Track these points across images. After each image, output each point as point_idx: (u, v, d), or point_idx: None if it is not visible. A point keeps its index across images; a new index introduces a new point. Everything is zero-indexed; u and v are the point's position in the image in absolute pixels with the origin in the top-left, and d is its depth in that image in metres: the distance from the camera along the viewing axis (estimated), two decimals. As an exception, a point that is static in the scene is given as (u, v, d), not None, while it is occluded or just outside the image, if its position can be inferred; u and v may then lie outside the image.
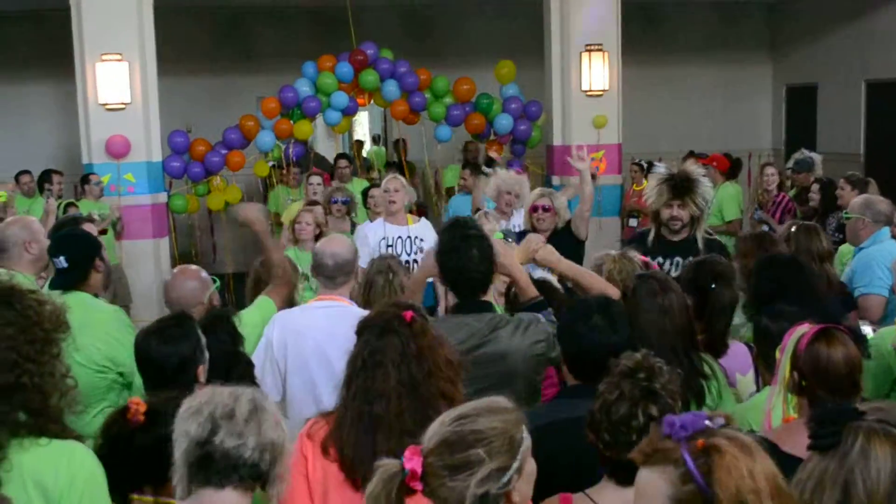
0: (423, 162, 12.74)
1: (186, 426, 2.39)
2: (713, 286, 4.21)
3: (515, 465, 2.23)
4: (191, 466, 2.37)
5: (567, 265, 4.43)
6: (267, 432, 2.38)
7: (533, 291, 4.13)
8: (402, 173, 10.86)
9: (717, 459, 1.83)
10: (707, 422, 1.91)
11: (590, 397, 3.05)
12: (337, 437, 2.94)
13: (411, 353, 2.94)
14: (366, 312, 4.22)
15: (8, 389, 2.53)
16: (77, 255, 4.54)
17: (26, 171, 10.91)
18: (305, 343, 4.34)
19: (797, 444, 3.05)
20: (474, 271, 3.87)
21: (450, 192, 11.48)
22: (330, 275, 4.43)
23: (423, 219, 7.69)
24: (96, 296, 4.63)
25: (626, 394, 2.77)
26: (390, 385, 2.91)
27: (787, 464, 2.98)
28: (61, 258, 4.50)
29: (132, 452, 2.85)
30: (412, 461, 2.19)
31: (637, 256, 4.88)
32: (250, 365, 3.87)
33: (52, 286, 4.51)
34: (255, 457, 2.36)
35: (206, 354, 3.60)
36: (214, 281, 4.58)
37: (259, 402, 2.42)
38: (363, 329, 3.04)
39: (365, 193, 9.01)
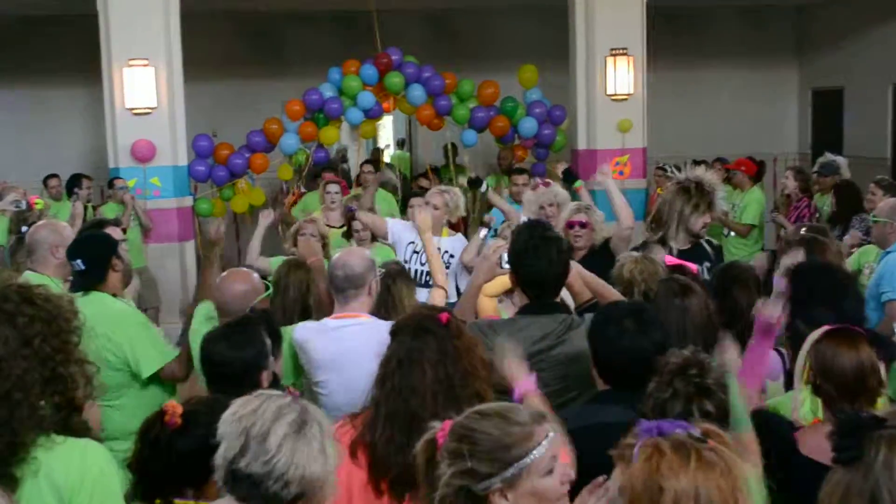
0: (448, 168, 12.71)
1: (224, 432, 2.41)
2: (732, 291, 4.25)
3: (504, 475, 2.23)
4: (219, 470, 2.41)
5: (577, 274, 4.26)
6: (300, 462, 2.34)
7: (587, 294, 4.12)
8: (452, 181, 10.90)
9: (646, 453, 1.88)
10: (678, 430, 1.95)
11: (619, 403, 3.06)
12: (368, 436, 2.93)
13: (449, 354, 2.94)
14: (385, 323, 4.26)
15: (45, 383, 2.57)
16: (93, 256, 4.63)
17: (54, 175, 11.02)
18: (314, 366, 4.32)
19: (817, 447, 3.05)
20: (551, 272, 3.87)
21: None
22: (339, 287, 4.34)
23: (458, 234, 7.46)
24: (115, 296, 4.68)
25: (679, 391, 2.80)
26: (426, 384, 2.91)
27: (801, 466, 3.00)
28: (78, 261, 4.59)
29: (172, 456, 2.86)
30: (440, 433, 2.34)
31: (660, 257, 4.87)
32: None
33: (73, 289, 4.58)
34: (276, 488, 2.34)
35: (271, 360, 3.62)
36: (267, 288, 4.56)
37: (304, 426, 2.38)
38: (398, 331, 3.04)
39: (405, 200, 8.52)
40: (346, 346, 4.12)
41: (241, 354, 3.53)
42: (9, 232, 8.09)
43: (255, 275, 4.58)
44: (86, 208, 9.33)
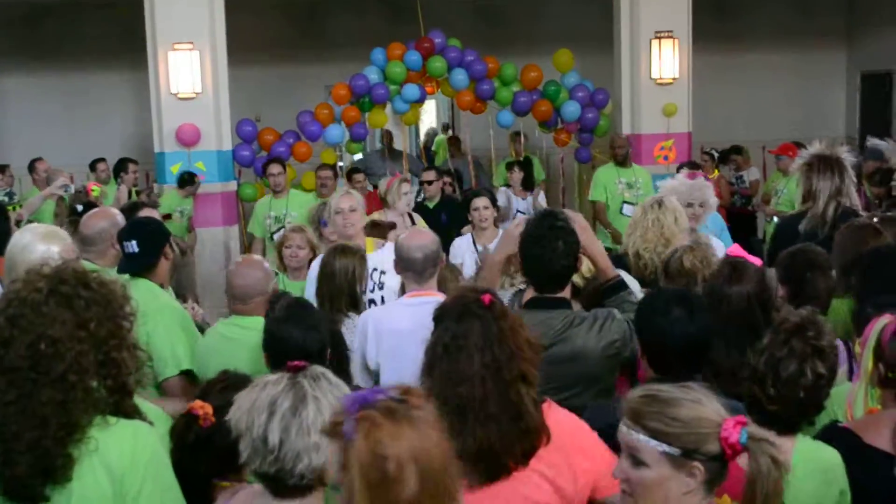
0: (489, 152, 12.68)
1: (235, 431, 2.47)
2: (808, 275, 4.16)
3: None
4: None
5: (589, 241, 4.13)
6: (305, 451, 2.38)
7: (613, 272, 4.06)
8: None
9: (364, 427, 1.91)
10: (380, 395, 1.99)
11: None
12: None
13: (493, 336, 2.89)
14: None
15: (101, 365, 2.59)
16: (148, 240, 4.56)
17: (102, 159, 11.15)
18: (396, 343, 4.31)
19: (880, 435, 3.01)
20: (556, 263, 3.78)
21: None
22: (420, 269, 4.40)
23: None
24: (161, 286, 4.62)
25: (795, 350, 2.85)
26: (474, 369, 2.86)
27: (868, 456, 2.96)
28: (133, 242, 4.51)
29: (210, 453, 2.87)
30: None
31: (709, 240, 4.84)
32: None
33: (120, 270, 4.49)
34: (294, 481, 2.41)
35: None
36: (276, 273, 4.60)
37: (300, 411, 2.40)
38: (442, 316, 3.01)
39: (466, 205, 7.56)
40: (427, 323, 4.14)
41: (318, 334, 3.61)
42: (55, 216, 8.16)
43: (266, 262, 4.61)
44: (131, 192, 9.40)
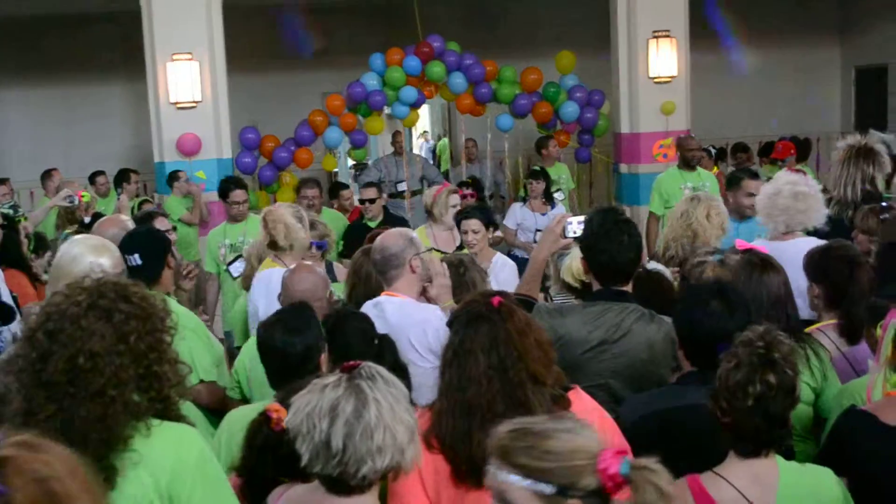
0: (485, 155, 12.69)
1: (293, 433, 2.46)
2: (851, 273, 4.06)
3: None
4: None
5: None
6: (368, 454, 2.39)
7: (525, 288, 4.15)
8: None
9: (8, 468, 1.77)
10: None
11: (705, 384, 3.04)
12: (437, 428, 2.94)
13: (501, 339, 2.90)
14: (419, 305, 4.27)
15: (140, 379, 2.57)
16: (150, 251, 4.46)
17: (101, 172, 11.13)
18: None
19: (897, 415, 3.04)
20: (623, 256, 3.82)
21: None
22: (380, 269, 4.37)
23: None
24: (168, 294, 4.54)
25: (743, 361, 2.81)
26: (480, 370, 2.88)
27: (888, 435, 2.99)
28: (135, 255, 4.41)
29: (279, 456, 2.88)
30: None
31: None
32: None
33: None
34: (356, 482, 2.42)
35: (326, 344, 3.62)
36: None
37: (362, 414, 2.41)
38: (453, 321, 3.03)
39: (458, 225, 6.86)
40: (379, 325, 4.10)
41: (302, 339, 3.52)
42: (56, 227, 8.15)
43: (320, 268, 4.58)
44: (133, 204, 9.39)
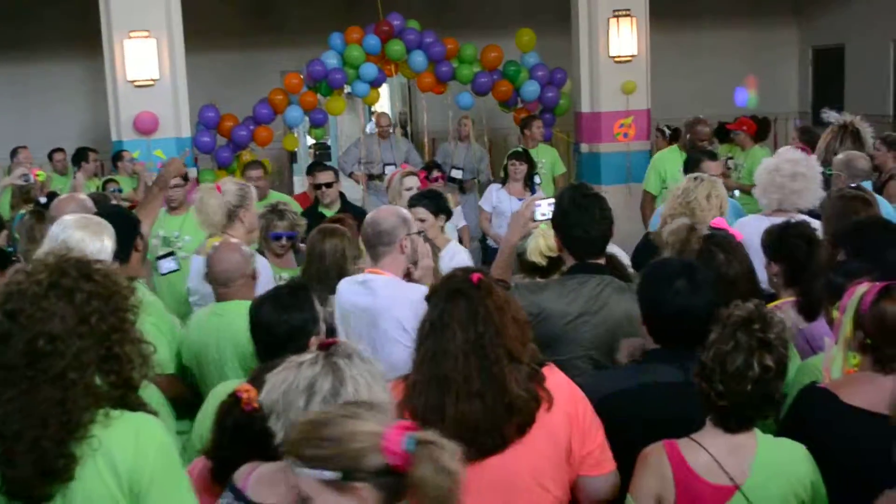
0: (447, 135, 12.66)
1: (267, 410, 2.46)
2: (809, 251, 4.11)
3: None
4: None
5: None
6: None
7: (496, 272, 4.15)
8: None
9: None
10: None
11: (670, 362, 3.06)
12: (410, 400, 2.95)
13: (479, 314, 2.93)
14: (406, 284, 4.25)
15: (102, 361, 2.52)
16: (119, 234, 4.32)
17: (60, 150, 11.01)
18: (353, 320, 4.28)
19: (857, 394, 3.08)
20: (595, 230, 3.88)
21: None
22: (369, 243, 4.34)
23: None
24: (134, 279, 4.50)
25: (741, 344, 2.81)
26: (457, 345, 2.91)
27: (848, 414, 3.03)
28: None
29: (251, 436, 2.86)
30: None
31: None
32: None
33: None
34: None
35: (322, 326, 3.60)
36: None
37: (339, 392, 2.39)
38: (432, 294, 3.05)
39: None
40: (367, 302, 4.13)
41: (287, 318, 3.52)
42: (11, 207, 8.04)
43: (244, 244, 4.63)
44: (98, 184, 9.28)
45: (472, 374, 2.90)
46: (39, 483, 2.41)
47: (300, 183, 16.12)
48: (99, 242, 3.98)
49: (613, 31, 11.20)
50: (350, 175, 11.37)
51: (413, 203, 5.81)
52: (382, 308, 4.09)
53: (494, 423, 2.90)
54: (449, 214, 6.11)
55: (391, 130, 11.61)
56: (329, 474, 2.02)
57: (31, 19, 13.15)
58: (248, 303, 4.06)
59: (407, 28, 11.32)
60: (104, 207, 5.10)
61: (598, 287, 3.80)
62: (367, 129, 13.55)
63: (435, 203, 5.89)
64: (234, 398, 2.91)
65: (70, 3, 12.39)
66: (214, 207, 5.35)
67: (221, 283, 4.41)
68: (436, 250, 5.09)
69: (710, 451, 2.85)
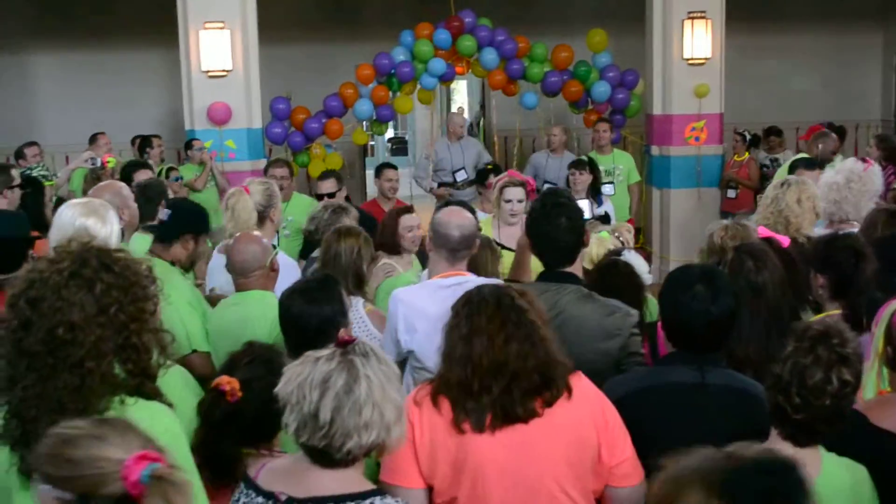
0: (516, 134, 12.63)
1: (282, 401, 2.49)
2: (856, 263, 4.03)
3: None
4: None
5: None
6: (355, 429, 2.42)
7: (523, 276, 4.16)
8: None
9: None
10: None
11: (687, 365, 3.02)
12: (445, 380, 2.99)
13: (507, 301, 2.98)
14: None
15: (119, 350, 2.59)
16: (180, 217, 4.64)
17: (139, 137, 11.23)
18: (431, 327, 4.26)
19: (887, 416, 3.00)
20: (561, 239, 3.88)
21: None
22: (455, 248, 4.29)
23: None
24: (173, 264, 4.63)
25: (822, 358, 2.78)
26: (486, 325, 2.95)
27: (877, 438, 2.95)
28: (168, 211, 4.64)
29: (240, 428, 2.89)
30: None
31: (754, 225, 4.76)
32: None
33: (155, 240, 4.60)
34: (340, 455, 2.46)
35: (349, 318, 3.65)
36: (274, 247, 4.64)
37: (353, 389, 2.43)
38: (467, 301, 3.06)
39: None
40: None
41: (318, 310, 3.57)
42: (83, 192, 8.23)
43: (264, 238, 4.71)
44: (160, 171, 9.46)
45: (507, 329, 2.94)
46: None
47: (373, 177, 16.22)
48: (108, 227, 4.06)
49: (688, 33, 11.04)
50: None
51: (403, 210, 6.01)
52: None
53: (528, 373, 2.92)
54: None
55: (464, 132, 10.98)
56: (67, 495, 2.01)
57: (111, 9, 13.46)
58: (267, 293, 4.14)
59: (478, 25, 11.31)
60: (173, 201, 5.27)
61: (556, 295, 3.78)
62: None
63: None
64: (217, 392, 2.94)
65: (149, -7, 12.63)
66: (248, 210, 5.42)
67: (240, 273, 4.49)
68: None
69: None
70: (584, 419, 2.98)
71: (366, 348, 2.53)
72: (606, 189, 9.54)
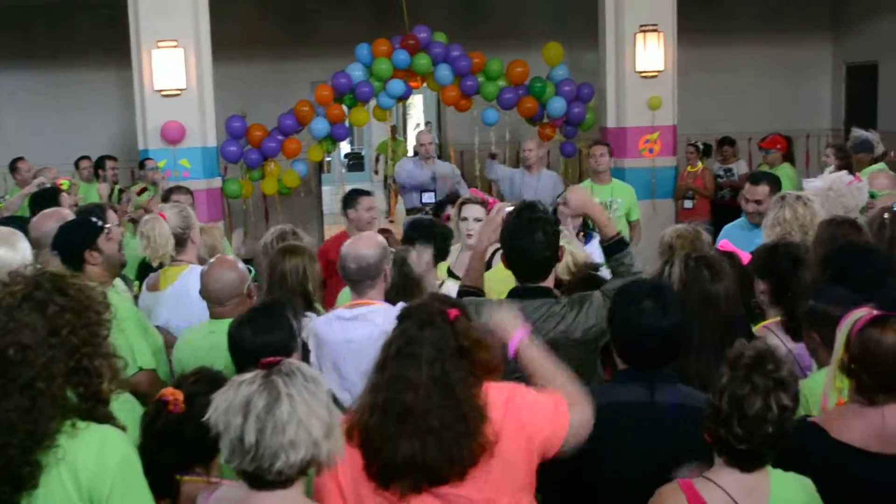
0: (473, 149, 12.62)
1: (214, 429, 2.47)
2: (793, 269, 4.10)
3: None
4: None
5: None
6: (282, 449, 2.40)
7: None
8: None
9: None
10: None
11: (637, 382, 3.02)
12: (363, 419, 2.84)
13: (448, 352, 2.82)
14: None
15: (70, 374, 2.58)
16: (65, 246, 4.39)
17: (85, 157, 11.11)
18: (335, 355, 4.26)
19: (846, 430, 3.02)
20: (537, 254, 3.83)
21: None
22: (354, 280, 4.30)
23: None
24: (103, 283, 4.42)
25: (759, 386, 2.76)
26: (421, 379, 2.79)
27: (840, 453, 2.97)
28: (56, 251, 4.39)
29: (180, 442, 2.87)
30: None
31: (706, 235, 4.82)
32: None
33: None
34: (272, 477, 2.44)
35: (300, 342, 3.61)
36: (250, 271, 4.54)
37: (274, 409, 2.41)
38: (405, 317, 2.95)
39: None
40: (365, 332, 4.05)
41: (269, 339, 3.51)
42: (31, 214, 8.12)
43: (240, 262, 4.55)
44: (112, 190, 9.38)
45: (430, 412, 2.76)
46: (4, 489, 2.47)
47: (329, 193, 16.18)
48: (19, 255, 4.02)
49: (640, 47, 11.15)
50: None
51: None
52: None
53: (446, 464, 2.76)
54: (443, 256, 5.67)
55: (432, 151, 9.89)
56: None
57: (63, 29, 13.36)
58: None
59: (433, 41, 11.33)
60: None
61: (532, 311, 3.71)
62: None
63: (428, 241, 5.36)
64: (160, 402, 2.93)
65: (103, 12, 12.53)
66: (164, 235, 5.24)
67: (216, 302, 4.35)
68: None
69: (728, 490, 2.81)
70: (509, 432, 2.84)
71: (291, 367, 2.51)
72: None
